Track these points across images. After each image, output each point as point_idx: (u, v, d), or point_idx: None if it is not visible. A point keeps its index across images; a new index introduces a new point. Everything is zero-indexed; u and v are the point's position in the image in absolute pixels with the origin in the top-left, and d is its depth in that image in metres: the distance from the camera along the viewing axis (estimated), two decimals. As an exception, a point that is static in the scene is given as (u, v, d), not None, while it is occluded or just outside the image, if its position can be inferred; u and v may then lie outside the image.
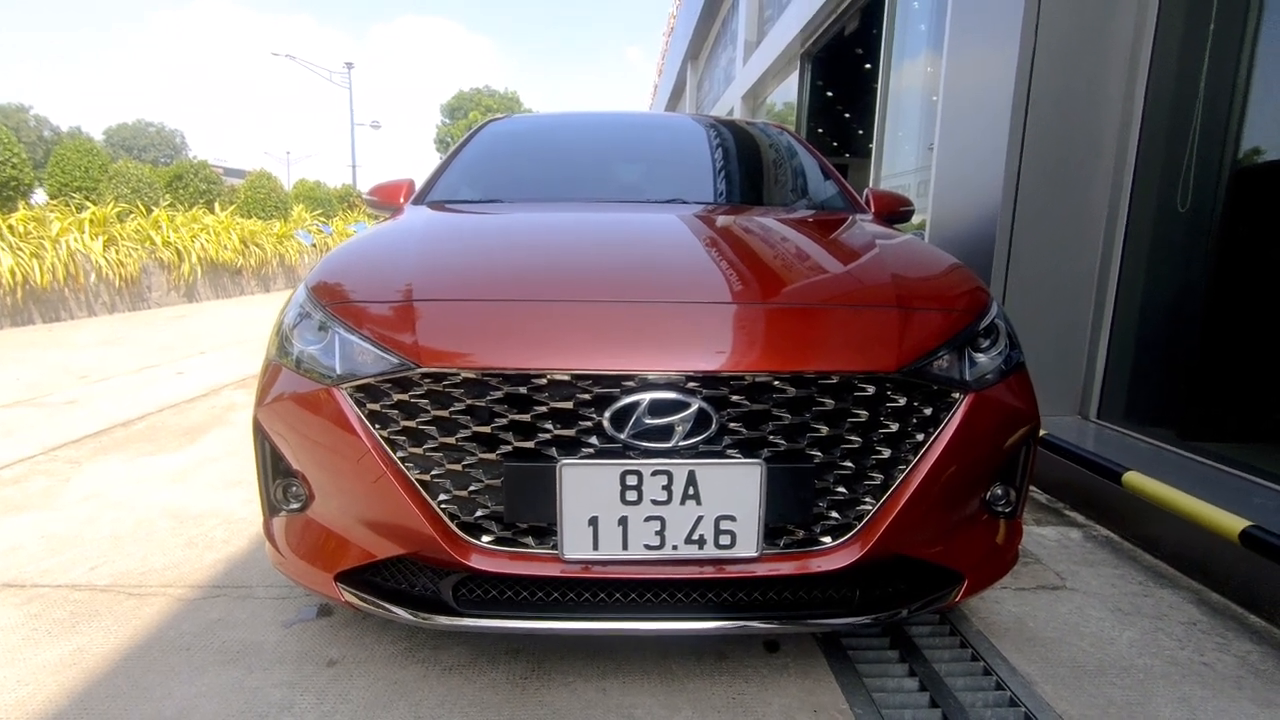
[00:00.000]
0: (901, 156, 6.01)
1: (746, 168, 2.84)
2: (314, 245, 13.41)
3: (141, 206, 9.79)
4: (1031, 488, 2.86)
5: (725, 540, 1.26)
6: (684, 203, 2.30)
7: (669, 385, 1.25)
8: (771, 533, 1.31)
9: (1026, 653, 1.69)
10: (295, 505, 1.47)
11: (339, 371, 1.35)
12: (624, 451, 1.26)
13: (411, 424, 1.30)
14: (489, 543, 1.30)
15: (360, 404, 1.33)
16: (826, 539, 1.33)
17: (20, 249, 6.96)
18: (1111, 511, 2.49)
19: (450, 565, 1.30)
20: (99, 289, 8.02)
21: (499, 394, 1.27)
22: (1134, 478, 2.20)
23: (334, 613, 1.79)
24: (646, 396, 1.24)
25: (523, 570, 1.29)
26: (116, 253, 8.20)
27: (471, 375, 1.27)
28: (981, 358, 1.47)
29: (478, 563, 1.28)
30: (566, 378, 1.26)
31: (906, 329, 1.37)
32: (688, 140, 2.89)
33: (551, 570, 1.29)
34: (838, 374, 1.29)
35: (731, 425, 1.27)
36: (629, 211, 2.13)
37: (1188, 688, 1.57)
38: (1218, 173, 2.84)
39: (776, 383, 1.28)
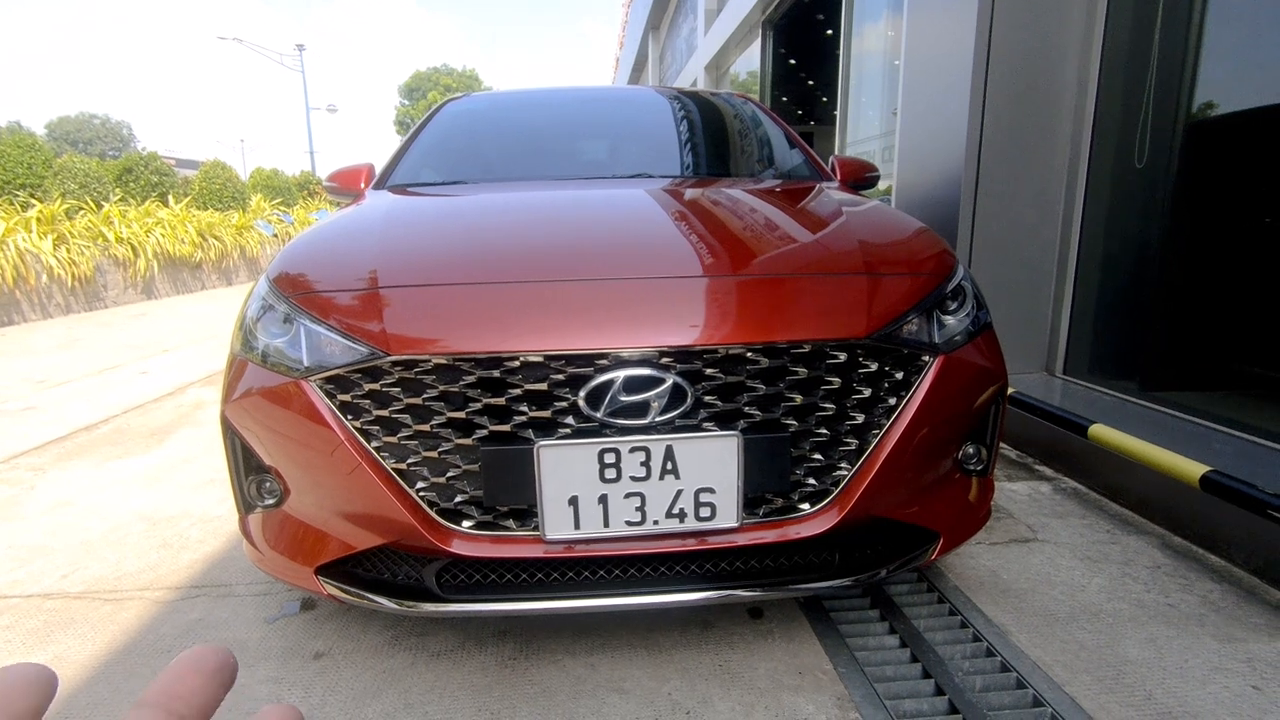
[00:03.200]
0: (866, 122, 6.01)
1: (712, 139, 2.82)
2: (275, 235, 13.06)
3: (91, 202, 9.44)
4: (1002, 444, 2.93)
5: (705, 513, 1.27)
6: (650, 177, 2.28)
7: (642, 362, 1.25)
8: (751, 502, 1.33)
9: (1001, 604, 1.74)
10: (270, 501, 1.45)
11: (307, 363, 1.32)
12: (601, 430, 1.26)
13: (384, 413, 1.28)
14: (470, 528, 1.30)
15: (331, 395, 1.30)
16: (805, 505, 1.35)
17: (-36, 252, 6.68)
18: (1079, 464, 2.56)
19: (432, 552, 1.30)
20: (51, 290, 7.75)
21: (471, 378, 1.26)
22: (1099, 430, 2.26)
23: (318, 606, 1.78)
24: (620, 374, 1.24)
25: (505, 553, 1.29)
26: (68, 251, 7.91)
27: (443, 361, 1.26)
28: (950, 320, 1.48)
29: (459, 548, 1.28)
30: (539, 359, 1.25)
31: (875, 295, 1.38)
32: (652, 114, 2.85)
33: (534, 551, 1.29)
34: (809, 342, 1.30)
35: (706, 399, 1.28)
36: (595, 188, 2.10)
37: (1154, 628, 1.64)
38: (1173, 127, 2.89)
39: (749, 354, 1.28)
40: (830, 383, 1.33)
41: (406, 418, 1.28)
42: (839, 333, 1.31)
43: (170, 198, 11.35)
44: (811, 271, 1.45)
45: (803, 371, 1.31)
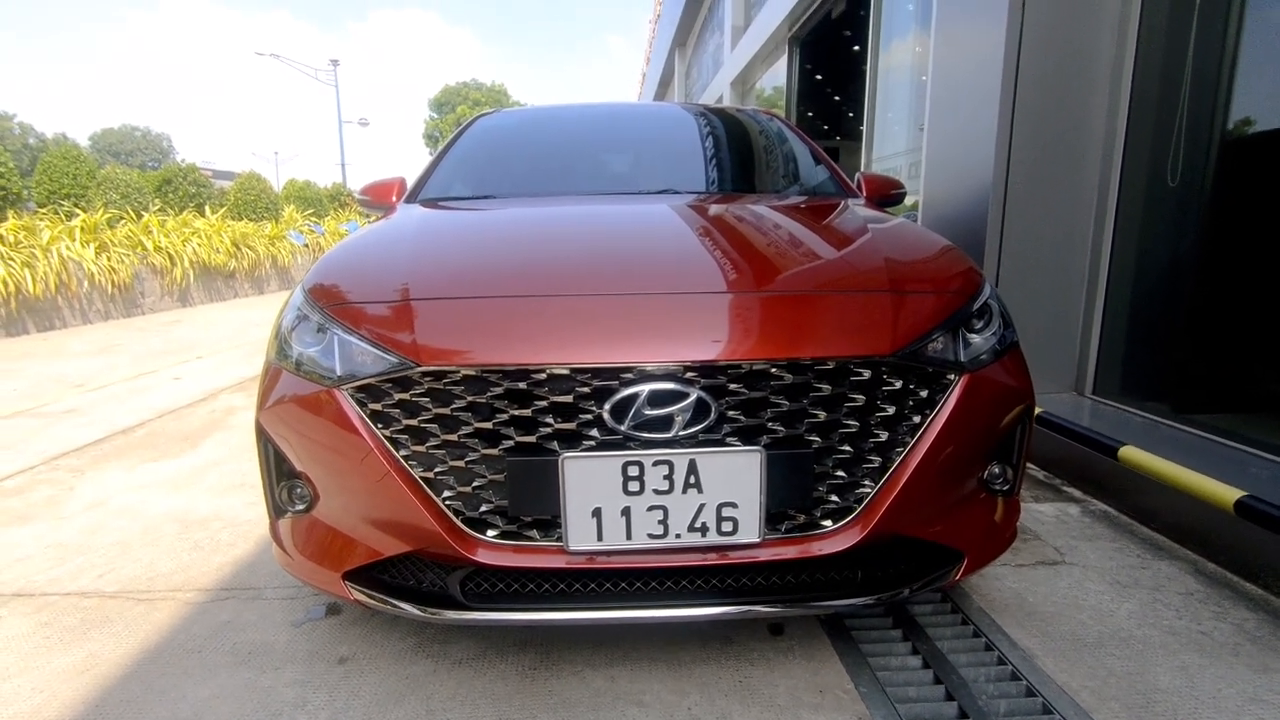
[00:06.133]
0: (892, 138, 6.00)
1: (738, 156, 2.84)
2: (306, 245, 13.36)
3: (131, 212, 9.74)
4: (1029, 465, 2.89)
5: (727, 527, 1.28)
6: (676, 193, 2.30)
7: (667, 376, 1.26)
8: (773, 518, 1.33)
9: (1027, 627, 1.72)
10: (300, 506, 1.48)
11: (339, 372, 1.36)
12: (625, 443, 1.27)
13: (413, 422, 1.31)
14: (494, 537, 1.32)
15: (361, 404, 1.34)
16: (827, 522, 1.35)
17: (12, 259, 6.93)
18: (1108, 486, 2.51)
19: (457, 560, 1.32)
20: (92, 296, 7.99)
21: (499, 390, 1.28)
22: (1130, 452, 2.22)
23: (342, 611, 1.81)
24: (645, 388, 1.26)
25: (528, 563, 1.30)
26: (108, 259, 8.16)
27: (471, 372, 1.28)
28: (975, 338, 1.48)
29: (484, 557, 1.30)
30: (565, 372, 1.27)
31: (901, 312, 1.38)
32: (679, 130, 2.89)
33: (557, 562, 1.30)
34: (834, 359, 1.30)
35: (730, 413, 1.29)
36: (622, 204, 2.13)
37: (1186, 656, 1.60)
38: (1208, 144, 2.85)
39: (773, 370, 1.29)
40: (854, 399, 1.33)
41: (435, 427, 1.31)
42: (864, 350, 1.31)
43: (207, 208, 11.65)
44: (836, 288, 1.45)
45: (827, 388, 1.31)
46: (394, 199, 2.56)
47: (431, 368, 1.28)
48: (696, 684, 1.51)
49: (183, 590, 1.96)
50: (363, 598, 1.40)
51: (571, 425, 1.28)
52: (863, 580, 1.39)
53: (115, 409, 4.00)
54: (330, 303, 1.46)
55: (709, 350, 1.27)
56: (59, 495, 2.71)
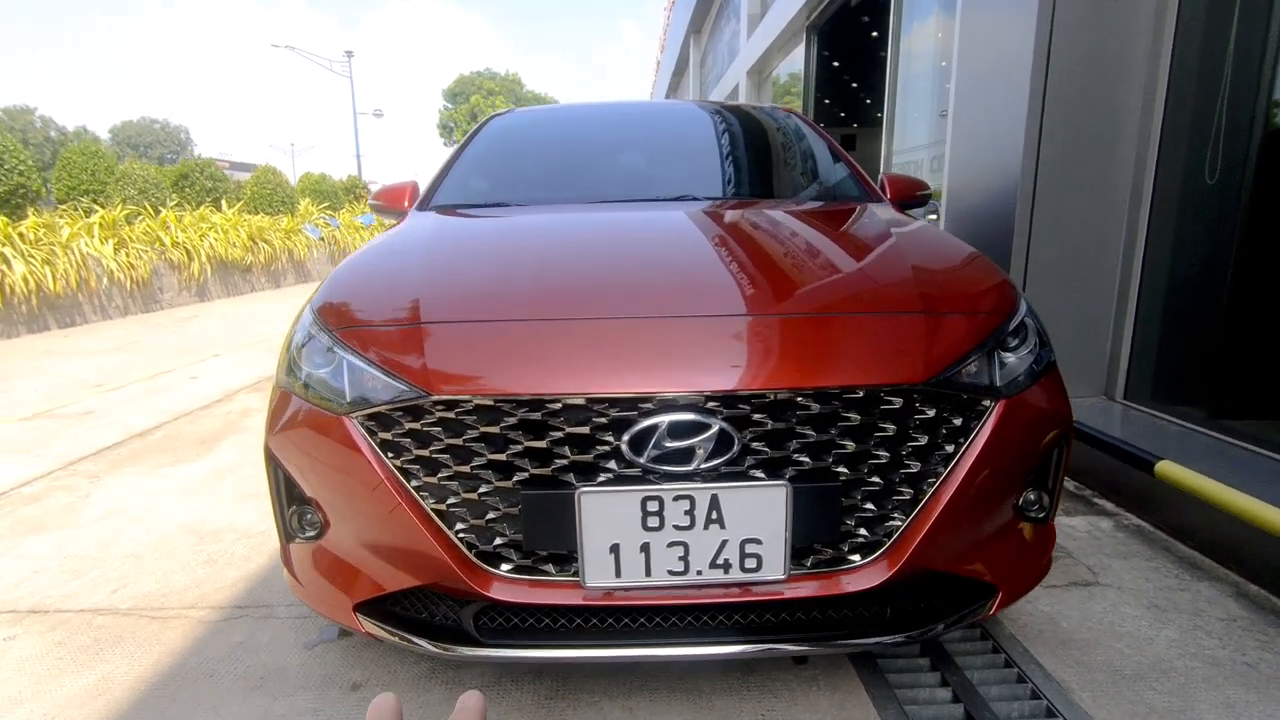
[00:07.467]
0: (913, 126, 5.86)
1: (757, 160, 2.76)
2: (322, 239, 13.40)
3: (149, 207, 9.79)
4: (1058, 474, 2.80)
5: (751, 564, 1.22)
6: (694, 199, 2.23)
7: (688, 406, 1.21)
8: (798, 552, 1.27)
9: (1061, 657, 1.65)
10: (311, 534, 1.44)
11: (349, 399, 1.31)
12: (644, 476, 1.22)
13: (425, 452, 1.27)
14: (508, 571, 1.27)
15: (372, 432, 1.29)
16: (855, 557, 1.29)
17: (32, 256, 6.99)
18: (1142, 499, 2.43)
19: (470, 595, 1.27)
20: (111, 292, 8.06)
21: (513, 420, 1.23)
22: (1167, 467, 2.13)
23: (355, 634, 1.78)
24: (665, 419, 1.20)
25: (544, 599, 1.26)
26: (127, 255, 8.22)
27: (484, 402, 1.23)
28: (1011, 358, 1.40)
29: (498, 593, 1.25)
30: (582, 401, 1.22)
31: (933, 335, 1.31)
32: (696, 132, 2.81)
33: (573, 599, 1.25)
34: (863, 387, 1.24)
35: (754, 445, 1.23)
36: (637, 212, 2.06)
37: (1231, 691, 1.53)
38: (1249, 140, 2.72)
39: (800, 399, 1.23)
40: (884, 429, 1.26)
41: (447, 458, 1.26)
42: (894, 377, 1.25)
43: (223, 202, 11.71)
44: (863, 310, 1.38)
45: (855, 418, 1.25)
46: (406, 204, 2.52)
47: (443, 396, 1.23)
48: (717, 717, 1.46)
49: (196, 608, 1.94)
50: (375, 630, 1.36)
51: (588, 457, 1.23)
52: (892, 617, 1.33)
53: (132, 410, 4.01)
54: (340, 324, 1.42)
55: (732, 379, 1.21)
56: (75, 503, 2.71)
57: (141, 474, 3.00)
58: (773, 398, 1.22)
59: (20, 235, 7.13)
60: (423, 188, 2.54)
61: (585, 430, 1.22)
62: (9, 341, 6.59)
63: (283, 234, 11.97)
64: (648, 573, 1.22)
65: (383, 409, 1.28)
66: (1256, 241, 2.73)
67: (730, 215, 1.98)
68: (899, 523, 1.29)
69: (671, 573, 1.22)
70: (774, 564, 1.22)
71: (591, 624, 1.31)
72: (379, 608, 1.37)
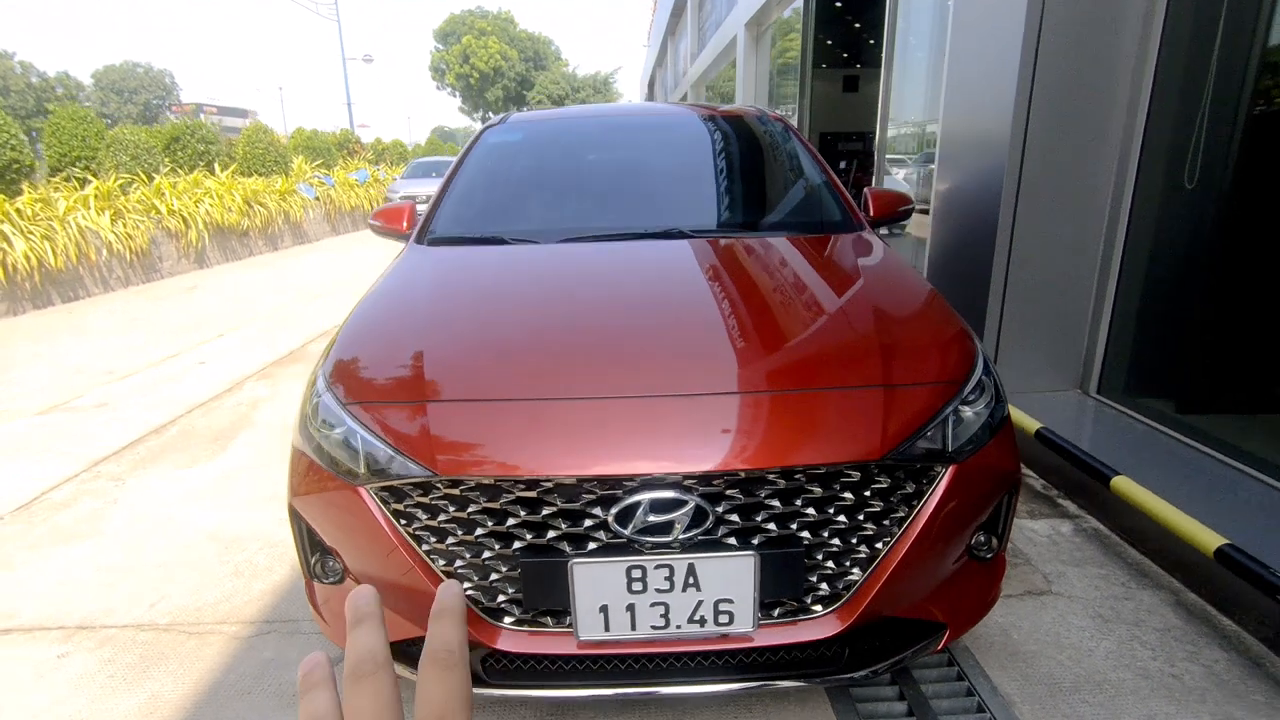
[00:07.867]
0: (914, 64, 5.77)
1: (745, 184, 2.86)
2: (317, 198, 13.31)
3: (143, 174, 9.72)
4: (1028, 473, 2.98)
5: (724, 620, 1.39)
6: (681, 235, 2.33)
7: (668, 485, 1.35)
8: (766, 605, 1.44)
9: (1009, 669, 1.84)
10: (333, 579, 1.61)
11: (362, 471, 1.46)
12: (629, 544, 1.37)
13: (434, 522, 1.42)
14: (511, 624, 1.44)
15: (385, 502, 1.44)
16: (817, 608, 1.45)
17: (32, 232, 7.02)
18: (1101, 501, 2.60)
19: (477, 644, 1.45)
20: (111, 264, 8.11)
21: (512, 496, 1.38)
22: (1122, 483, 2.30)
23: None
24: (647, 496, 1.35)
25: (543, 649, 1.43)
26: (124, 226, 8.23)
27: (486, 481, 1.38)
28: (968, 413, 1.54)
29: (503, 643, 1.43)
30: (574, 481, 1.36)
31: (890, 410, 1.45)
32: (685, 153, 2.88)
33: (569, 648, 1.43)
34: (825, 466, 1.38)
35: (727, 517, 1.38)
36: (624, 259, 2.18)
37: (1155, 703, 1.72)
38: (1226, 151, 2.79)
39: (769, 476, 1.37)
40: (844, 499, 1.41)
41: (453, 527, 1.41)
42: (853, 455, 1.39)
43: (216, 165, 11.60)
44: (827, 385, 1.52)
45: (818, 490, 1.39)
46: (404, 225, 2.62)
47: (449, 476, 1.38)
48: (698, 732, 1.66)
49: (228, 623, 2.13)
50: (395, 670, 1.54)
51: (580, 529, 1.38)
52: (851, 656, 1.51)
53: (145, 402, 4.16)
54: (350, 397, 1.55)
55: (706, 460, 1.35)
56: (103, 509, 2.88)
57: (161, 476, 3.17)
58: (744, 475, 1.37)
59: (18, 211, 7.14)
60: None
61: (577, 506, 1.37)
62: (15, 319, 6.69)
63: (278, 195, 11.89)
64: (633, 628, 1.39)
65: (394, 483, 1.42)
66: (1231, 246, 2.83)
67: (712, 264, 2.10)
68: (856, 577, 1.45)
69: (654, 627, 1.39)
70: (744, 619, 1.39)
71: (586, 665, 1.49)
72: (398, 649, 1.55)
